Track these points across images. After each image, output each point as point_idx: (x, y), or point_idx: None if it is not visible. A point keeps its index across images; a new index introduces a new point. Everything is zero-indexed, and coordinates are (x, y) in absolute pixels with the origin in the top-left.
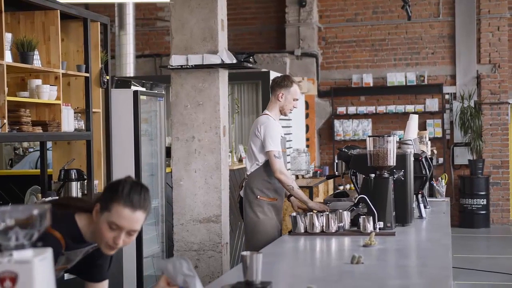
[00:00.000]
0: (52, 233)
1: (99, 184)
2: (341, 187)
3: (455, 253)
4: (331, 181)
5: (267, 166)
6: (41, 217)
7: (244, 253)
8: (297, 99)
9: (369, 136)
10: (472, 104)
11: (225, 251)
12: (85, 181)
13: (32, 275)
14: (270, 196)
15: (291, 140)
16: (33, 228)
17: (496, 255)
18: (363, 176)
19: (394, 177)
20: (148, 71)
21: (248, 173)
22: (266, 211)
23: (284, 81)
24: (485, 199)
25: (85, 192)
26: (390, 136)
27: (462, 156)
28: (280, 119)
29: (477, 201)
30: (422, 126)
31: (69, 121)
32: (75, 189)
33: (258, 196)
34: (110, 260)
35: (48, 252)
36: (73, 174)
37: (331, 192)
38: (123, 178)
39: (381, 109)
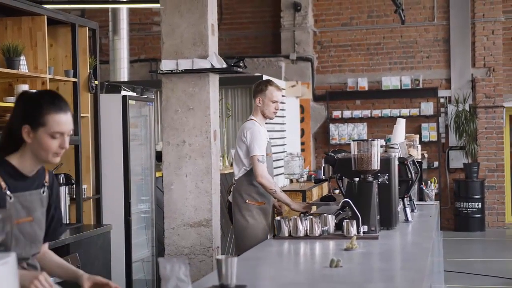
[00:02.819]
0: None
1: (87, 189)
2: (337, 191)
3: (450, 257)
4: (325, 185)
5: None
6: (3, 222)
7: (219, 257)
8: (275, 101)
9: (353, 140)
10: (467, 108)
11: (216, 255)
12: (73, 185)
13: None
14: (258, 200)
15: (286, 144)
16: None
17: (491, 258)
18: (348, 180)
19: (378, 181)
20: (144, 76)
21: (235, 178)
22: (255, 215)
23: (259, 86)
24: (480, 203)
25: (74, 197)
26: (374, 140)
27: (457, 160)
28: (272, 123)
29: (472, 204)
30: (417, 130)
31: None
32: (63, 194)
33: (247, 201)
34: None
35: (11, 257)
36: (61, 178)
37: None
38: (34, 92)
39: (376, 113)
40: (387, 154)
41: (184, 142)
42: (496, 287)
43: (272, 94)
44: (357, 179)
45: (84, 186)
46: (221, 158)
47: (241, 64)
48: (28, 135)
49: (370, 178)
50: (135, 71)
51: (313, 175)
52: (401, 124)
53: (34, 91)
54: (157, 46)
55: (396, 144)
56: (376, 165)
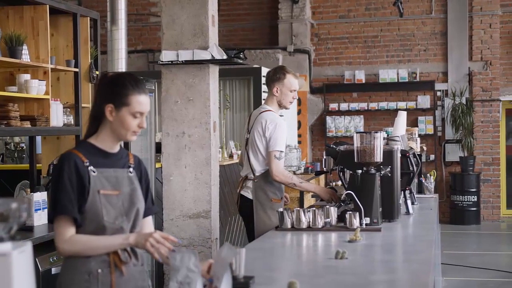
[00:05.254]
0: (68, 151)
1: None
2: (333, 183)
3: (445, 250)
4: (322, 177)
5: None
6: (19, 211)
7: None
8: (294, 90)
9: (356, 132)
10: (464, 101)
11: (215, 246)
12: None
13: (11, 268)
14: (280, 196)
15: None
16: (12, 221)
17: (486, 251)
18: (350, 172)
19: (380, 173)
20: (140, 67)
21: (256, 174)
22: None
23: (277, 74)
24: (476, 196)
25: None
26: (377, 132)
27: (453, 153)
28: None
29: (468, 197)
30: (414, 123)
31: (58, 116)
32: None
33: (272, 199)
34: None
35: (28, 246)
36: None
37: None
38: (117, 74)
39: (373, 105)
40: (389, 146)
41: (183, 133)
42: (492, 279)
43: (291, 83)
44: (359, 171)
45: None
46: (220, 149)
47: (241, 55)
48: (110, 113)
49: (373, 171)
50: (132, 62)
51: (310, 167)
52: (402, 117)
53: (115, 73)
54: (154, 37)
55: (398, 136)
56: (379, 157)
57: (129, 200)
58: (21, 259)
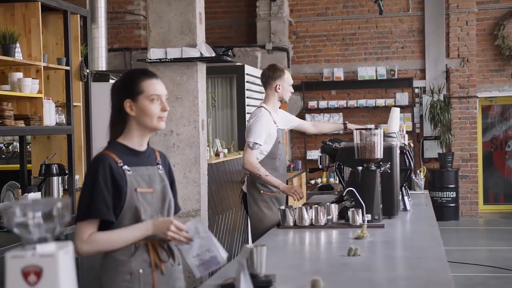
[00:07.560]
0: (101, 153)
1: (80, 179)
2: (313, 181)
3: None
4: (303, 175)
5: (267, 160)
6: (64, 210)
7: (249, 246)
8: (291, 84)
9: (356, 129)
10: (442, 98)
11: None
12: (66, 176)
13: (57, 269)
14: (273, 190)
15: None
16: (56, 221)
17: (466, 247)
18: (350, 169)
19: (381, 170)
20: (118, 65)
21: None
22: (271, 205)
23: (276, 72)
24: (454, 192)
25: (66, 187)
26: (377, 129)
27: (432, 150)
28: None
29: (446, 194)
30: None
31: (50, 115)
32: (56, 184)
33: (262, 191)
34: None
35: (70, 246)
36: (54, 169)
37: (304, 186)
38: (123, 75)
39: (352, 103)
40: (387, 143)
41: (171, 132)
42: (477, 274)
43: (289, 78)
44: (360, 168)
45: (77, 176)
46: (207, 148)
47: (229, 53)
48: (131, 108)
49: (373, 167)
50: (109, 61)
51: (292, 165)
52: (396, 113)
53: (124, 74)
54: (131, 35)
55: (395, 133)
56: (379, 153)
57: (161, 198)
58: (66, 259)
